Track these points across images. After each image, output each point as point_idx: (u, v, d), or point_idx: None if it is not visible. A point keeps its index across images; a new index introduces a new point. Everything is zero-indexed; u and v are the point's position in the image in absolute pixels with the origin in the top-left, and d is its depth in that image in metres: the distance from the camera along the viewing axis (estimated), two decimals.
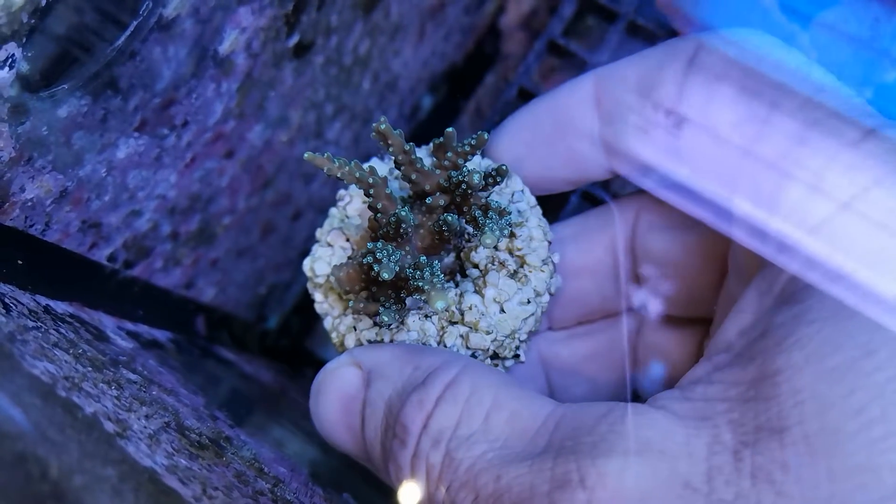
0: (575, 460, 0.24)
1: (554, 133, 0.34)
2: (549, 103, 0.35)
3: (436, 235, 0.32)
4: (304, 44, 0.43)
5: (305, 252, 0.64)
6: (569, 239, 0.38)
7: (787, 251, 0.26)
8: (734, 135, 0.28)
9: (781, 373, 0.23)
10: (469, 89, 0.64)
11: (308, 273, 0.35)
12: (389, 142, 0.31)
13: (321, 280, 0.35)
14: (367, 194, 0.31)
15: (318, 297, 0.35)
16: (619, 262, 0.37)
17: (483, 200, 0.31)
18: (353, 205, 0.36)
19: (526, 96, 0.54)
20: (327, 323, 0.35)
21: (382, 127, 0.31)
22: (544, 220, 0.35)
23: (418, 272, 0.29)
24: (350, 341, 0.34)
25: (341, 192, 0.37)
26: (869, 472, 0.21)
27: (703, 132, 0.29)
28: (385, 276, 0.29)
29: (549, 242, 0.34)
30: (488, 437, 0.27)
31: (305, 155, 0.30)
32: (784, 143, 0.26)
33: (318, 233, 0.36)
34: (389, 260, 0.29)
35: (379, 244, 0.30)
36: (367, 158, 0.60)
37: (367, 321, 0.34)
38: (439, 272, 0.29)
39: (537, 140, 0.35)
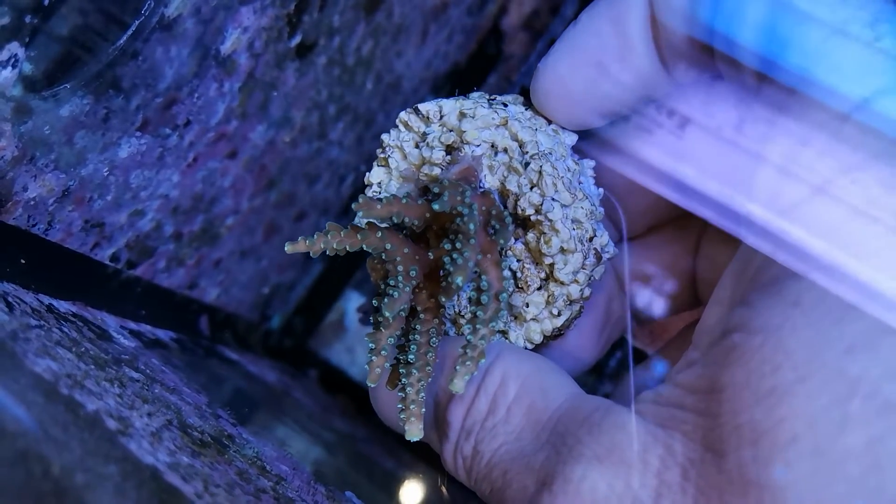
0: (554, 463, 0.25)
1: (622, 46, 0.29)
2: (609, 13, 0.29)
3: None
4: (307, 44, 0.43)
5: (309, 253, 0.64)
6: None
7: (756, 234, 0.25)
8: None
9: (725, 390, 0.23)
10: (472, 90, 0.64)
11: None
12: (372, 216, 0.28)
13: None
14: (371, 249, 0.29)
15: None
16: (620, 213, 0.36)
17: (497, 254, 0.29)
18: (394, 157, 0.34)
19: (528, 96, 0.54)
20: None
21: (363, 221, 0.28)
22: (588, 207, 0.31)
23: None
24: None
25: (384, 136, 0.34)
26: None
27: None
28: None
29: (591, 238, 0.31)
30: (507, 429, 0.27)
31: (287, 247, 0.27)
32: (759, 128, 0.26)
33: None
34: (383, 350, 0.29)
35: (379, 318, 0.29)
36: (369, 159, 0.61)
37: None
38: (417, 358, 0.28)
39: (607, 58, 0.30)
